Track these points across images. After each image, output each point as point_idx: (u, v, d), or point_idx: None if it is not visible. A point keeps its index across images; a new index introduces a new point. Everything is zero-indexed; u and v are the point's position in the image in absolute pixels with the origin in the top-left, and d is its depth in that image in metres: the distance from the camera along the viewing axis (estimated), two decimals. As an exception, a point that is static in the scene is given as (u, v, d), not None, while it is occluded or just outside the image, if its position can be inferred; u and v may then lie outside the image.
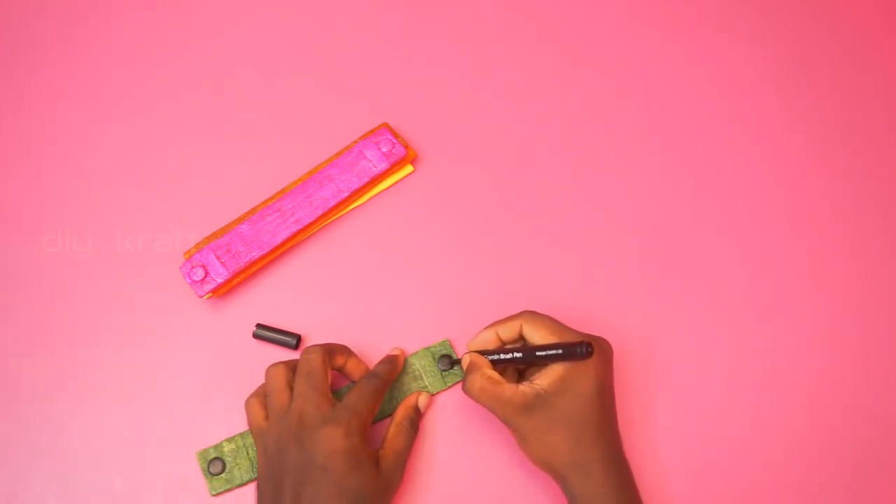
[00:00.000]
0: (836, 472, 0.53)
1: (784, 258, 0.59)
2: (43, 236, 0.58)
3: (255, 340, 0.56)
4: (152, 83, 0.63)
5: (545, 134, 0.62)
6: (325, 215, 0.57)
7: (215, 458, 0.52)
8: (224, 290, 0.55)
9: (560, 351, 0.45)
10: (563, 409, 0.46)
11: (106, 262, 0.57)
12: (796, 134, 0.62)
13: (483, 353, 0.50)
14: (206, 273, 0.54)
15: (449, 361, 0.54)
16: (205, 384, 0.54)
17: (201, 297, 0.53)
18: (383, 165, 0.57)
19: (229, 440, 0.52)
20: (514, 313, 0.53)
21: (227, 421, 0.53)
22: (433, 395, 0.54)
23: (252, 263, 0.55)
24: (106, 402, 0.54)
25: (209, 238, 0.56)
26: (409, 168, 0.60)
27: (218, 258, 0.54)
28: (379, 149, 0.58)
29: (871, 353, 0.56)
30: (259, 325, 0.55)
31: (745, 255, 0.59)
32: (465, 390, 0.48)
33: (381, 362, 0.52)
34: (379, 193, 0.60)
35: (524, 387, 0.47)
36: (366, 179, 0.57)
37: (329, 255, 0.58)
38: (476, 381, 0.48)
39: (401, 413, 0.52)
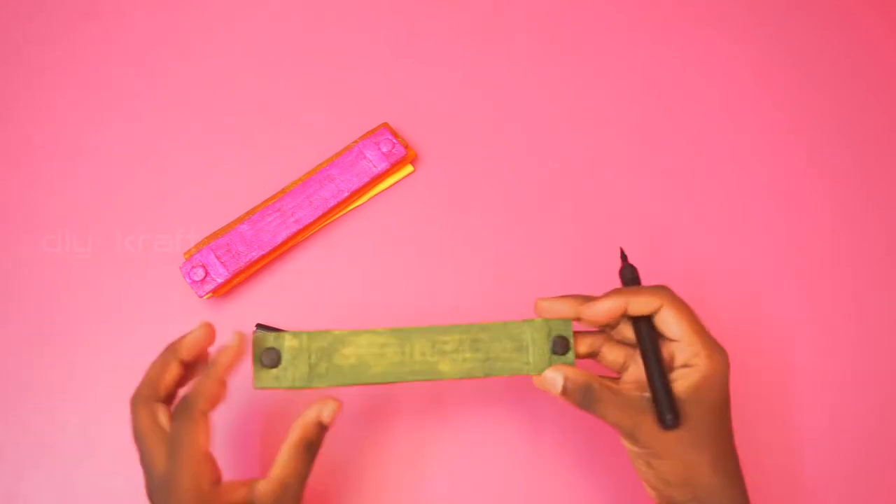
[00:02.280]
0: (833, 471, 0.53)
1: (782, 256, 0.59)
2: (43, 236, 0.58)
3: (255, 340, 0.56)
4: (152, 83, 0.63)
5: (545, 134, 0.62)
6: (325, 215, 0.57)
7: (271, 349, 0.43)
8: (224, 290, 0.55)
9: (650, 395, 0.38)
10: (702, 421, 0.39)
11: (106, 262, 0.57)
12: (794, 134, 0.62)
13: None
14: (207, 273, 0.54)
15: (564, 345, 0.44)
16: (205, 384, 0.54)
17: (201, 297, 0.54)
18: (383, 165, 0.57)
19: (295, 334, 0.43)
20: (649, 286, 0.42)
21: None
22: (530, 375, 0.45)
23: (252, 263, 0.55)
24: (106, 402, 0.54)
25: (209, 238, 0.56)
26: (409, 168, 0.60)
27: (218, 258, 0.54)
28: (379, 149, 0.58)
29: (869, 351, 0.56)
30: (259, 325, 0.55)
31: (743, 253, 0.59)
32: (580, 404, 0.41)
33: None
34: (379, 193, 0.60)
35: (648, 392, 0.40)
36: (366, 179, 0.57)
37: (329, 255, 0.58)
38: (596, 393, 0.41)
39: (297, 432, 0.42)
